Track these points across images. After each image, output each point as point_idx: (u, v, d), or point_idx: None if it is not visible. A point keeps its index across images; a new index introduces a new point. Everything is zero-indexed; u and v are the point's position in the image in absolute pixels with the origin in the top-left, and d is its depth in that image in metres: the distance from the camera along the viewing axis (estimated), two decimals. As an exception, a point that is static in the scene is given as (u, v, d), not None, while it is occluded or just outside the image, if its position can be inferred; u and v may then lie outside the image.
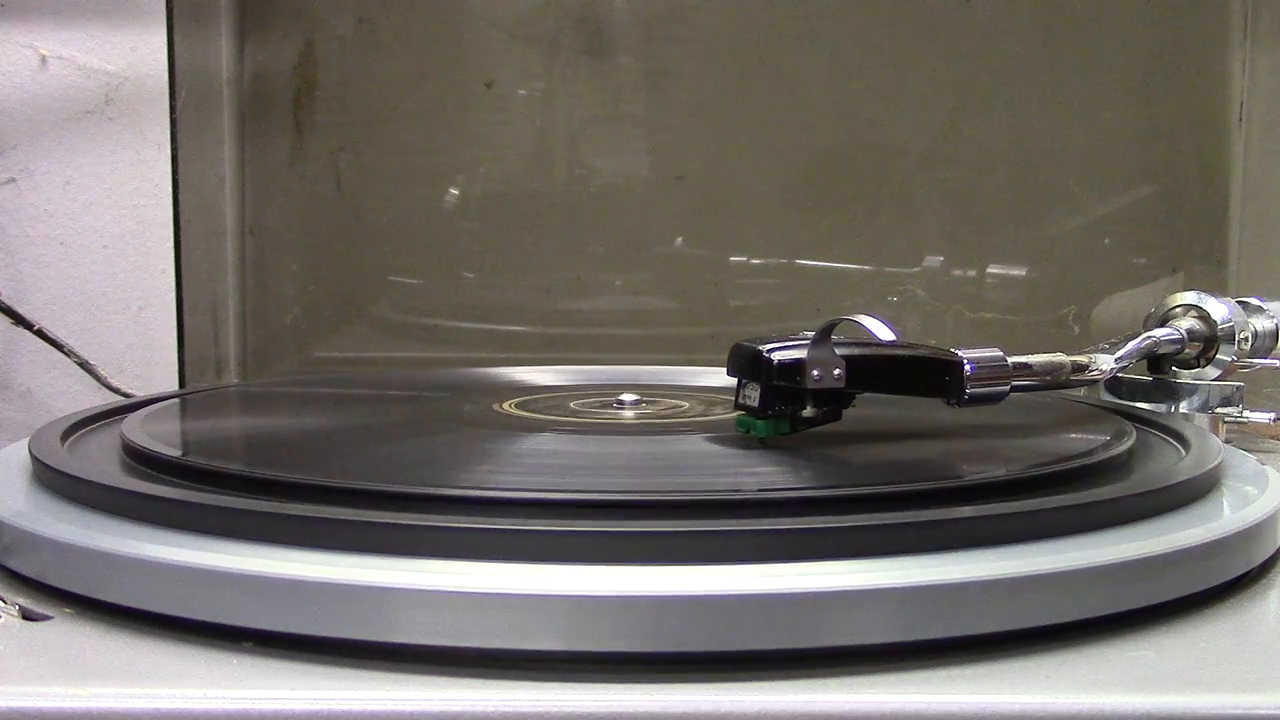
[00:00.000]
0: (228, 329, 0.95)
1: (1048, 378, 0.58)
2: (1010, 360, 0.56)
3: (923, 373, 0.55)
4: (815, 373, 0.54)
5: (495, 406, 0.66)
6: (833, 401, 0.56)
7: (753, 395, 0.55)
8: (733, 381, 0.57)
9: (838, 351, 0.55)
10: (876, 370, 0.56)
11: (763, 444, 0.56)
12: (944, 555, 0.43)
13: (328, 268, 0.98)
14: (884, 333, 0.54)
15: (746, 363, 0.56)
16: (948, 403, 0.54)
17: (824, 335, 0.55)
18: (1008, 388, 0.55)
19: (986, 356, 0.55)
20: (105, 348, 0.82)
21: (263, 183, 0.97)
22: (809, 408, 0.55)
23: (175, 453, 0.54)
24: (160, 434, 0.58)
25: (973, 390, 0.54)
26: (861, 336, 0.55)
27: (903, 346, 0.56)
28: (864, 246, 0.99)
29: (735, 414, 0.57)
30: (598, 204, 0.98)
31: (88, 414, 0.63)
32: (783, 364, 0.54)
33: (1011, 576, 0.42)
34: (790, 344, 0.55)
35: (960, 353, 0.54)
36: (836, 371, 0.54)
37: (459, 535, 0.42)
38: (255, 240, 0.97)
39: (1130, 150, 1.00)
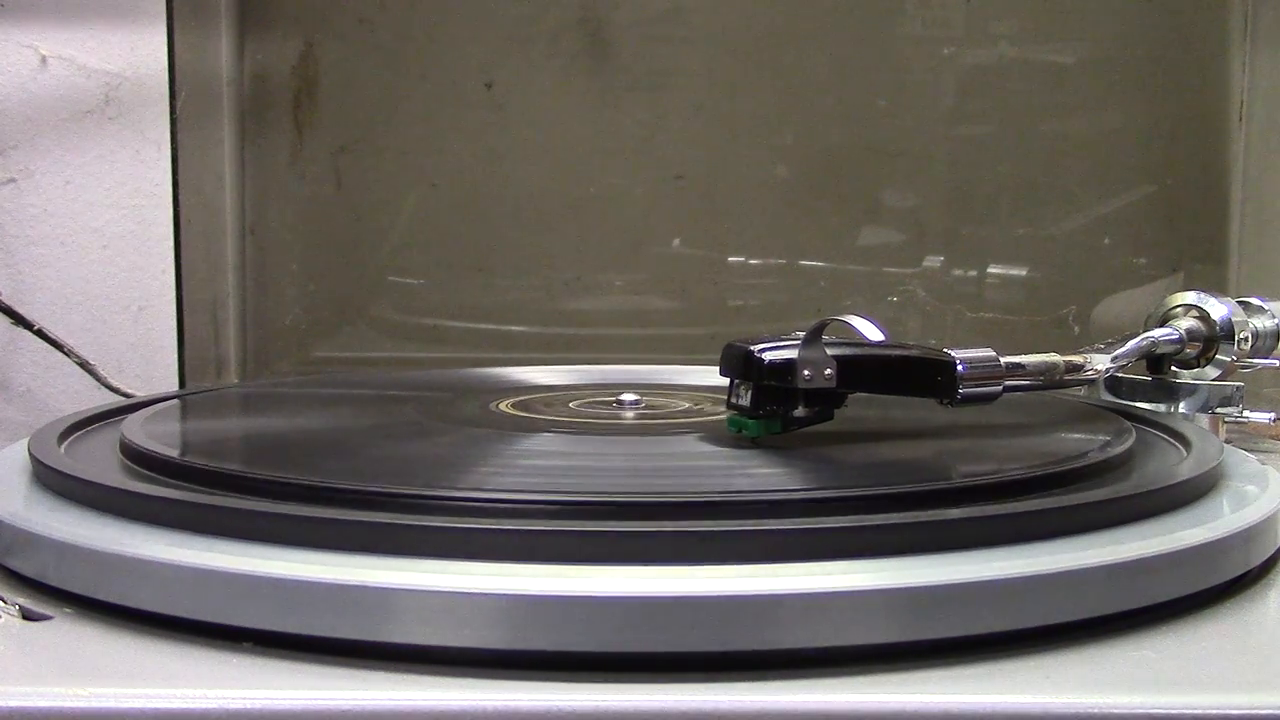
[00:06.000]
0: (228, 329, 0.95)
1: (1041, 378, 0.58)
2: (1003, 360, 0.55)
3: (915, 373, 0.55)
4: (806, 373, 0.54)
5: (494, 406, 0.66)
6: (824, 401, 0.56)
7: (745, 395, 0.56)
8: (734, 382, 0.57)
9: (829, 351, 0.55)
10: (868, 370, 0.56)
11: (755, 443, 0.56)
12: (944, 555, 0.43)
13: (328, 268, 0.98)
14: (873, 333, 0.54)
15: (738, 362, 0.56)
16: (941, 403, 0.54)
17: (815, 335, 0.55)
18: (1000, 388, 0.55)
19: (979, 356, 0.55)
20: (105, 348, 0.82)
21: (263, 183, 0.97)
22: (800, 407, 0.56)
23: (175, 453, 0.54)
24: (160, 434, 0.58)
25: (965, 390, 0.54)
26: (854, 337, 0.55)
27: (893, 346, 0.56)
28: (864, 246, 0.99)
29: (727, 414, 0.57)
30: (598, 204, 0.98)
31: (88, 414, 0.63)
32: (773, 364, 0.54)
33: (1011, 576, 0.42)
34: (781, 344, 0.55)
35: (952, 352, 0.54)
36: (827, 371, 0.55)
37: (458, 535, 0.42)
38: (255, 240, 0.97)
39: (1130, 150, 1.00)
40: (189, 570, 0.42)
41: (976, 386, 0.54)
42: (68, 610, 0.45)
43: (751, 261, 0.99)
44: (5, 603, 0.45)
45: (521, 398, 0.69)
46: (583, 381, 0.78)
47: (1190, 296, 0.69)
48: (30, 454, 0.55)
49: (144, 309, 0.83)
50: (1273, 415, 0.68)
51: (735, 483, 0.53)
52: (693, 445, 0.58)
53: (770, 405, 0.55)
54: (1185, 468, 0.54)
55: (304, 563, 0.42)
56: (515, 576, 0.40)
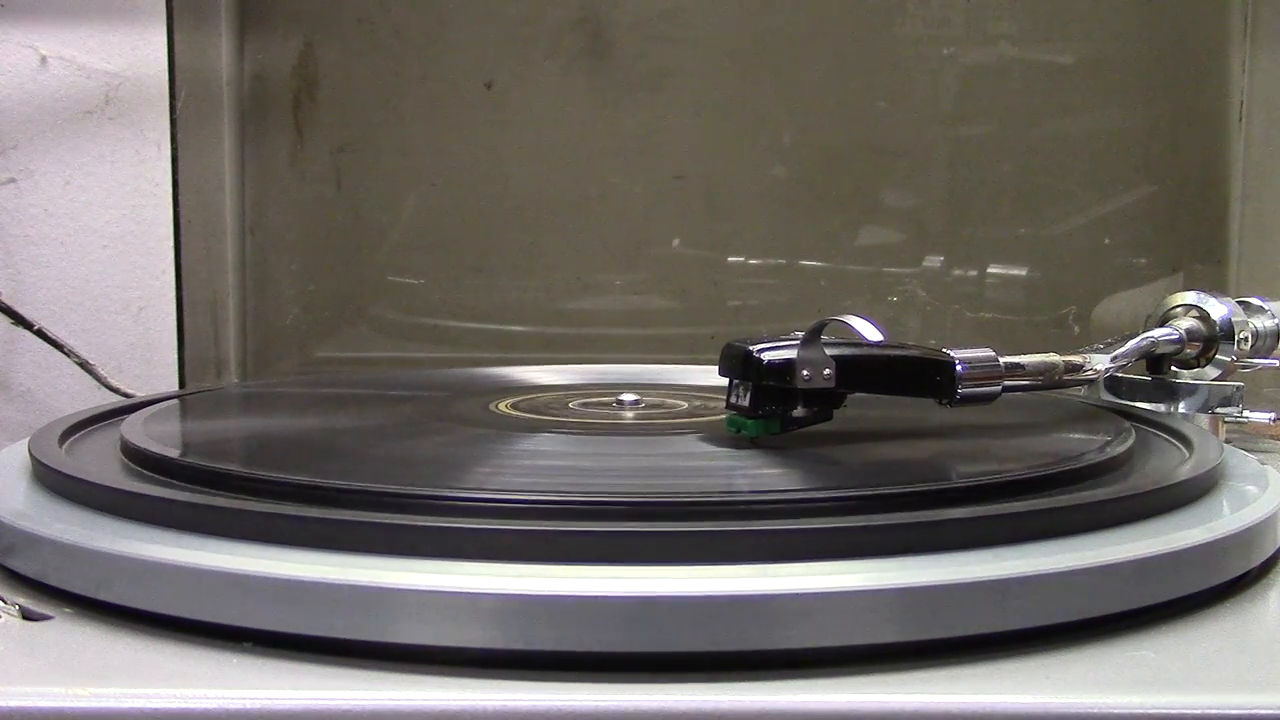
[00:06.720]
0: (228, 329, 0.95)
1: (1040, 378, 0.58)
2: (1002, 360, 0.55)
3: (914, 373, 0.55)
4: (805, 373, 0.54)
5: (494, 406, 0.66)
6: (823, 401, 0.56)
7: (744, 395, 0.56)
8: (734, 382, 0.57)
9: (828, 352, 0.55)
10: (867, 370, 0.56)
11: (754, 444, 0.56)
12: (944, 555, 0.43)
13: (328, 268, 0.98)
14: (871, 333, 0.54)
15: (737, 363, 0.56)
16: (940, 403, 0.54)
17: (814, 335, 0.55)
18: (999, 388, 0.55)
19: (978, 356, 0.55)
20: (105, 348, 0.82)
21: (263, 183, 0.97)
22: (800, 407, 0.56)
23: (175, 453, 0.54)
24: (160, 434, 0.58)
25: (964, 390, 0.54)
26: (853, 337, 0.55)
27: (892, 346, 0.56)
28: (864, 246, 0.99)
29: (726, 414, 0.57)
30: (597, 204, 0.98)
31: (88, 414, 0.63)
32: (772, 364, 0.54)
33: (1011, 576, 0.42)
34: (780, 344, 0.55)
35: (951, 352, 0.54)
36: (826, 372, 0.55)
37: (458, 535, 0.43)
38: (255, 240, 0.97)
39: (1130, 150, 1.00)
40: (189, 570, 0.42)
41: (975, 386, 0.54)
42: (68, 610, 0.45)
43: (751, 261, 0.99)
44: (5, 603, 0.45)
45: (521, 398, 0.69)
46: (583, 381, 0.78)
47: (1190, 296, 0.69)
48: (30, 454, 0.55)
49: (144, 309, 0.83)
50: (1273, 415, 0.68)
51: (735, 483, 0.53)
52: (692, 445, 0.58)
53: (769, 405, 0.55)
54: (1185, 468, 0.54)
55: (304, 563, 0.42)
56: (515, 576, 0.40)
